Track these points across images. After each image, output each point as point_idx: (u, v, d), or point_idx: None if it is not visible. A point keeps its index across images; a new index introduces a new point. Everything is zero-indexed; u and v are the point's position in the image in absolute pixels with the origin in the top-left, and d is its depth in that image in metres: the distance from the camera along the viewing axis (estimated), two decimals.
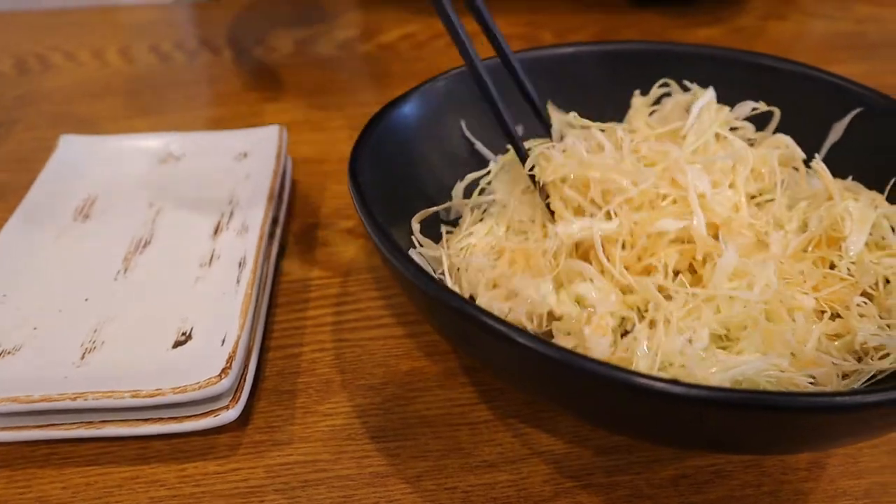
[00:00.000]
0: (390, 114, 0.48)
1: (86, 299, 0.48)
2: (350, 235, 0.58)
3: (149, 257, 0.52)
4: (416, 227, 0.46)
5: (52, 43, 0.89)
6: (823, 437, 0.33)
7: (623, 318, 0.41)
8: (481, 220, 0.48)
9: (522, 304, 0.42)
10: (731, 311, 0.40)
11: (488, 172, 0.52)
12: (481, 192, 0.51)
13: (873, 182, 0.47)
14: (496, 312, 0.38)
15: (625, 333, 0.41)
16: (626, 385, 0.30)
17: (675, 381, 0.29)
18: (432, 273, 0.44)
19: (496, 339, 0.32)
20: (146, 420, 0.41)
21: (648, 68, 0.53)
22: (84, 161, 0.59)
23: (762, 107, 0.51)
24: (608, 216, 0.43)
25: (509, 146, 0.53)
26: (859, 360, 0.40)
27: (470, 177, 0.51)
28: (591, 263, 0.42)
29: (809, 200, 0.47)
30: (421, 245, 0.45)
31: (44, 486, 0.41)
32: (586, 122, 0.51)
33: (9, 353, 0.44)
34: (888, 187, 0.46)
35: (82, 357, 0.44)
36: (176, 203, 0.56)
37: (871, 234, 0.44)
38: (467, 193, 0.50)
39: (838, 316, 0.42)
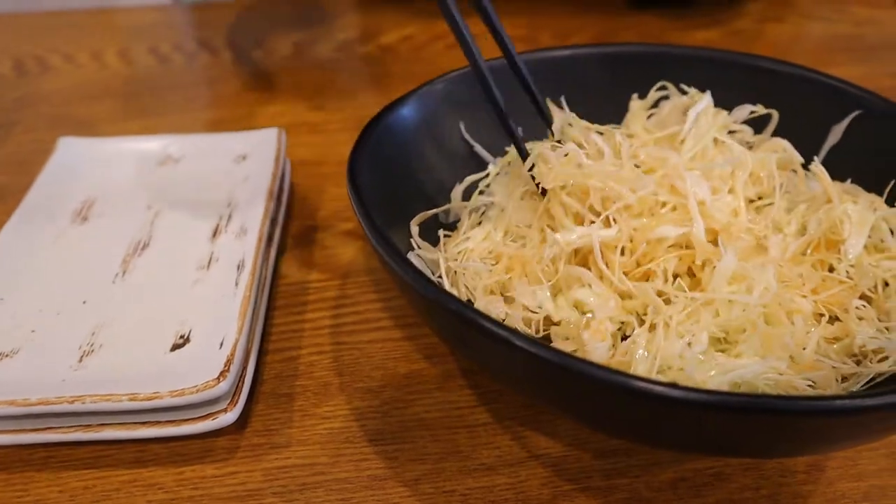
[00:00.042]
0: (389, 116, 0.48)
1: (84, 302, 0.48)
2: (349, 238, 0.58)
3: (147, 260, 0.51)
4: (414, 229, 0.46)
5: (50, 45, 0.89)
6: (822, 441, 0.33)
7: (622, 323, 0.41)
8: (479, 223, 0.48)
9: (519, 310, 0.42)
10: (729, 314, 0.40)
11: (487, 175, 0.52)
12: (480, 194, 0.51)
13: (872, 185, 0.47)
14: (494, 316, 0.38)
15: (624, 338, 0.41)
16: (625, 388, 0.30)
17: (673, 385, 0.29)
18: (431, 276, 0.44)
19: (494, 343, 0.32)
20: (144, 423, 0.41)
21: (646, 71, 0.53)
22: (82, 163, 0.59)
23: (760, 110, 0.51)
24: (607, 223, 0.43)
25: (508, 148, 0.53)
26: (858, 363, 0.40)
27: (469, 179, 0.51)
28: (589, 269, 0.42)
29: (808, 203, 0.47)
30: (419, 248, 0.45)
31: (41, 490, 0.41)
32: (585, 123, 0.51)
33: (6, 355, 0.44)
34: (887, 190, 0.46)
35: (80, 360, 0.44)
36: (174, 205, 0.56)
37: (869, 236, 0.44)
38: (466, 196, 0.50)
39: (837, 319, 0.42)
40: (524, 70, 0.49)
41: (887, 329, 0.41)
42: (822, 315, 0.42)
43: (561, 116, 0.51)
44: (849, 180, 0.48)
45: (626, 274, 0.42)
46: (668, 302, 0.41)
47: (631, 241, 0.42)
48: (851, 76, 0.52)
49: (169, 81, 0.82)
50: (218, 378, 0.40)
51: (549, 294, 0.42)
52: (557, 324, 0.42)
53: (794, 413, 0.29)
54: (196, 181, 0.59)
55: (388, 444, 0.43)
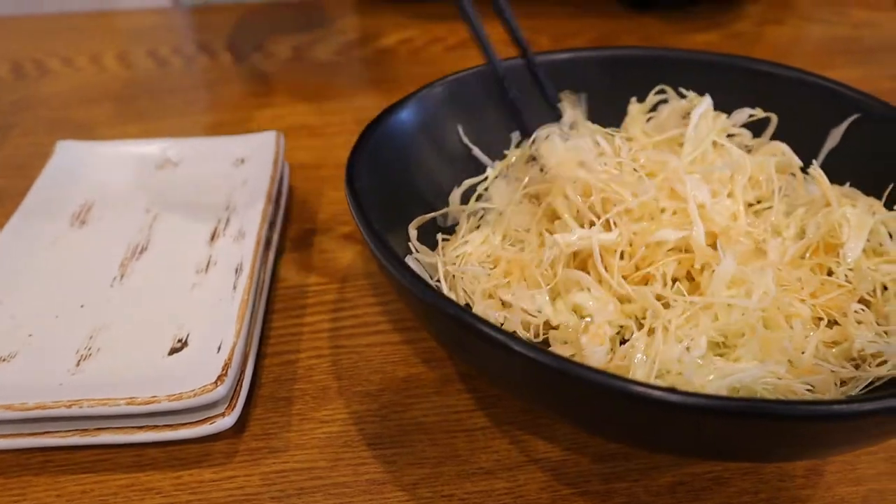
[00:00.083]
0: (388, 119, 0.48)
1: (82, 305, 0.48)
2: (347, 241, 0.58)
3: (145, 263, 0.51)
4: (412, 233, 0.46)
5: (49, 48, 0.89)
6: (821, 445, 0.33)
7: (621, 327, 0.41)
8: (478, 227, 0.48)
9: (518, 314, 0.42)
10: (728, 318, 0.40)
11: (485, 178, 0.52)
12: (478, 198, 0.51)
13: (871, 188, 0.47)
14: (492, 321, 0.38)
15: (623, 342, 0.41)
16: (623, 393, 0.30)
17: (671, 390, 0.29)
18: (429, 280, 0.44)
19: (492, 347, 0.32)
20: (142, 427, 0.41)
21: (645, 74, 0.53)
22: (81, 167, 0.59)
23: (759, 113, 0.51)
24: (607, 226, 0.43)
25: (507, 152, 0.53)
26: (857, 367, 0.40)
27: (467, 183, 0.51)
28: (588, 273, 0.42)
29: (807, 207, 0.47)
30: (417, 251, 0.45)
31: (38, 495, 0.40)
32: (593, 126, 0.51)
33: (4, 359, 0.44)
34: (886, 193, 0.46)
35: (78, 364, 0.44)
36: (173, 209, 0.56)
37: (868, 240, 0.44)
38: (464, 199, 0.50)
39: (836, 323, 0.42)
40: (538, 70, 0.49)
41: (886, 333, 0.41)
42: (820, 319, 0.42)
43: (571, 112, 0.50)
44: (847, 184, 0.48)
45: (624, 278, 0.42)
46: (666, 306, 0.41)
47: (630, 244, 0.42)
48: (850, 78, 0.52)
49: (168, 85, 0.82)
50: (216, 382, 0.40)
51: (547, 298, 0.42)
52: (556, 328, 0.42)
53: (792, 418, 0.29)
54: (194, 185, 0.59)
55: (387, 448, 0.43)
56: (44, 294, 0.49)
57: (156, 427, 0.41)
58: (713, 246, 0.42)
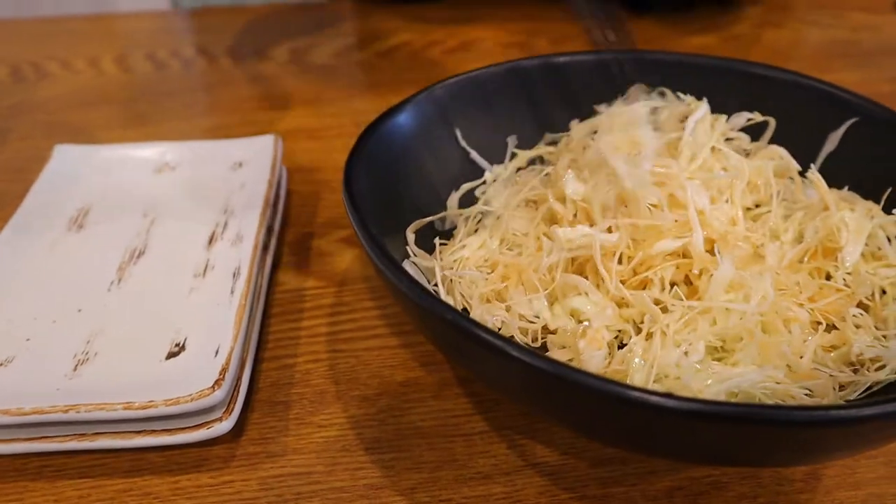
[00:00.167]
0: (386, 123, 0.48)
1: (79, 310, 0.48)
2: (345, 245, 0.58)
3: (143, 267, 0.51)
4: (410, 237, 0.46)
5: (47, 51, 0.88)
6: (820, 451, 0.33)
7: (619, 332, 0.41)
8: (476, 231, 0.48)
9: (515, 319, 0.42)
10: (727, 322, 0.40)
11: (483, 182, 0.52)
12: (476, 202, 0.50)
13: (869, 192, 0.47)
14: (489, 325, 0.38)
15: (621, 346, 0.41)
16: (620, 398, 0.30)
17: (669, 395, 0.29)
18: (427, 284, 0.43)
19: (489, 352, 0.32)
20: (139, 432, 0.41)
21: (643, 77, 0.53)
22: (79, 171, 0.59)
23: (757, 117, 0.51)
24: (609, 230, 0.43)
25: (505, 154, 0.53)
26: (855, 371, 0.40)
27: (465, 186, 0.51)
28: (586, 278, 0.42)
29: (805, 211, 0.47)
30: (415, 256, 0.45)
31: (36, 500, 0.40)
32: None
33: (1, 364, 0.44)
34: (884, 197, 0.46)
35: (75, 368, 0.43)
36: (170, 213, 0.56)
37: (867, 244, 0.44)
38: (462, 203, 0.50)
39: (834, 327, 0.42)
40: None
41: (884, 337, 0.41)
42: (819, 323, 0.42)
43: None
44: (846, 188, 0.48)
45: (622, 282, 0.42)
46: (665, 310, 0.41)
47: (629, 247, 0.42)
48: (849, 82, 0.52)
49: (166, 88, 0.82)
50: (213, 387, 0.40)
51: (545, 302, 0.42)
52: (554, 332, 0.42)
53: (791, 423, 0.29)
54: (192, 188, 0.59)
55: (385, 452, 0.42)
56: (41, 298, 0.48)
57: (153, 432, 0.41)
58: (711, 251, 0.42)
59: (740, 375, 0.38)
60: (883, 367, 0.39)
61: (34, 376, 0.43)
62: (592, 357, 0.39)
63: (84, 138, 0.69)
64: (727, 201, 0.44)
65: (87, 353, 0.44)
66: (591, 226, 0.43)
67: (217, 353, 0.42)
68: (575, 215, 0.45)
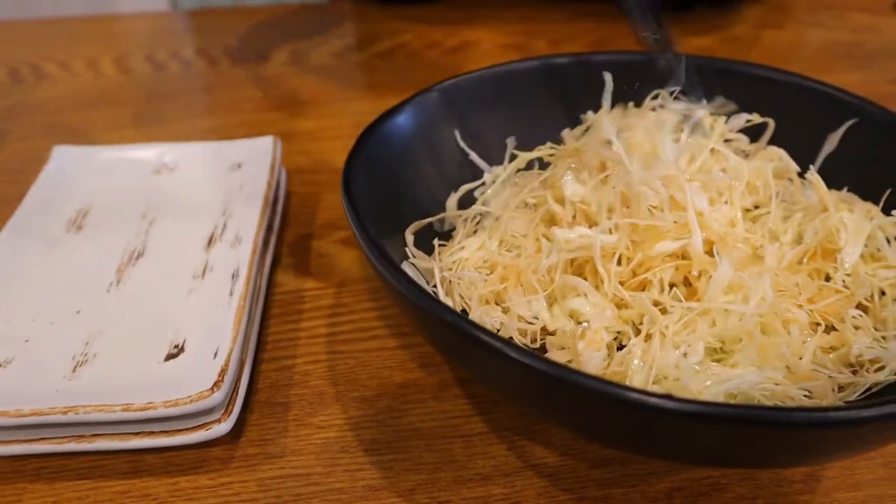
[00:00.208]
0: (385, 124, 0.48)
1: (78, 312, 0.48)
2: (344, 246, 0.58)
3: (142, 269, 0.51)
4: (409, 238, 0.46)
5: (46, 52, 0.88)
6: (819, 452, 0.33)
7: (618, 333, 0.41)
8: (475, 232, 0.48)
9: (514, 320, 0.42)
10: (726, 324, 0.40)
11: (482, 183, 0.52)
12: (475, 203, 0.50)
13: (868, 193, 0.47)
14: (488, 327, 0.38)
15: (620, 348, 0.41)
16: (619, 400, 0.30)
17: (668, 396, 0.29)
18: (426, 285, 0.43)
19: (488, 353, 0.32)
20: (138, 434, 0.41)
21: (643, 78, 0.53)
22: (77, 172, 0.59)
23: (756, 118, 0.51)
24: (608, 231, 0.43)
25: (504, 155, 0.53)
26: (855, 372, 0.40)
27: (464, 188, 0.51)
28: (585, 279, 0.42)
29: (804, 212, 0.47)
30: (414, 257, 0.45)
31: (34, 501, 0.40)
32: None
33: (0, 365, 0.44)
34: (883, 198, 0.46)
35: (74, 370, 0.43)
36: (169, 214, 0.56)
37: (866, 245, 0.44)
38: (461, 205, 0.50)
39: (833, 329, 0.42)
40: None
41: (884, 338, 0.41)
42: (818, 324, 0.42)
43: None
44: (845, 189, 0.48)
45: (622, 283, 0.42)
46: (664, 312, 0.41)
47: (628, 248, 0.42)
48: (849, 83, 0.52)
49: (165, 89, 0.82)
50: (212, 388, 0.40)
51: (544, 304, 0.42)
52: (553, 333, 0.42)
53: (790, 425, 0.29)
54: (191, 190, 0.59)
55: (384, 453, 0.42)
56: (40, 299, 0.48)
57: (152, 433, 0.41)
58: (710, 253, 0.42)
59: (739, 377, 0.38)
60: (882, 368, 0.39)
61: (33, 378, 0.43)
62: (591, 358, 0.39)
63: (83, 139, 0.69)
64: (726, 203, 0.44)
65: (85, 355, 0.44)
66: (591, 227, 0.43)
67: (216, 354, 0.42)
68: (574, 217, 0.45)
